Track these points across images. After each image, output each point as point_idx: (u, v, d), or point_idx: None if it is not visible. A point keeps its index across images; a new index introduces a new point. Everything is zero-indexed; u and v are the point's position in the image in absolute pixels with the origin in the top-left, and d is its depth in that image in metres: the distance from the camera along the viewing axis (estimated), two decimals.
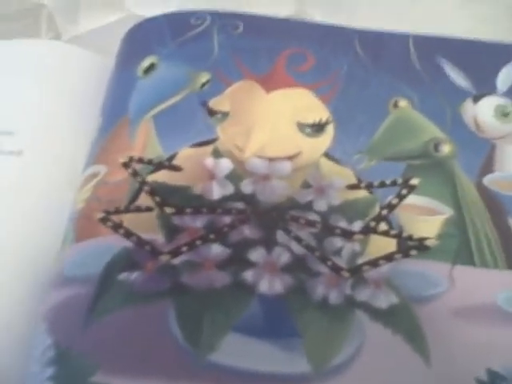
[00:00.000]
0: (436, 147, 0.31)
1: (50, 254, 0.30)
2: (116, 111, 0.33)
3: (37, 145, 0.34)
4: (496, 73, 0.34)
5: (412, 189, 0.29)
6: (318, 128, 0.31)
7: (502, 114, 0.33)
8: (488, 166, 0.31)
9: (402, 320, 0.26)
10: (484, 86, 0.34)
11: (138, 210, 0.29)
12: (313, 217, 0.28)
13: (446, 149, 0.31)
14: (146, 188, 0.29)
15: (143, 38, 0.36)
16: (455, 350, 0.25)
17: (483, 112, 0.33)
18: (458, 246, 0.28)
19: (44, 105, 0.36)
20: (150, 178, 0.30)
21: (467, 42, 0.36)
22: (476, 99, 0.33)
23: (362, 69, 0.34)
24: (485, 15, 0.43)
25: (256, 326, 0.26)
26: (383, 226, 0.28)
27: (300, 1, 0.45)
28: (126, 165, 0.30)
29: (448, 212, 0.29)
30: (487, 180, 0.30)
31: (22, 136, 0.34)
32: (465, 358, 0.25)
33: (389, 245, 0.28)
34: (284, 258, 0.27)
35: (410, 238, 0.28)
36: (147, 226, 0.28)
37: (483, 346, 0.25)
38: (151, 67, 0.34)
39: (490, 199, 0.30)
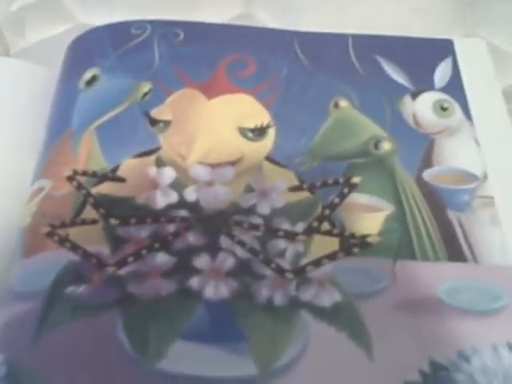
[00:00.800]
0: (376, 145, 0.32)
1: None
2: (59, 124, 0.33)
3: None
4: (433, 69, 0.35)
5: (353, 187, 0.30)
6: (259, 132, 0.31)
7: (441, 108, 0.33)
8: (427, 161, 0.32)
9: (346, 317, 0.26)
10: (422, 82, 0.35)
11: (84, 222, 0.29)
12: (256, 220, 0.29)
13: (385, 146, 0.32)
14: (91, 200, 0.29)
15: (85, 50, 0.36)
16: (397, 344, 0.26)
17: (422, 108, 0.33)
18: (400, 242, 0.29)
19: None
20: (95, 190, 0.30)
21: (404, 39, 0.37)
22: (414, 95, 0.34)
23: (302, 71, 0.34)
24: (424, 9, 0.43)
25: (203, 331, 0.26)
26: (326, 226, 0.29)
27: (247, 2, 0.45)
28: (70, 178, 0.30)
29: (389, 208, 0.30)
30: (426, 174, 0.31)
31: None
32: (407, 351, 0.26)
33: (332, 244, 0.28)
34: (228, 262, 0.27)
35: (353, 235, 0.28)
36: (93, 238, 0.28)
37: (425, 338, 0.26)
38: (93, 79, 0.34)
39: (430, 193, 0.31)
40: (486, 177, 0.31)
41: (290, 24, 0.38)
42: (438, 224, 0.30)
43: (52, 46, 0.44)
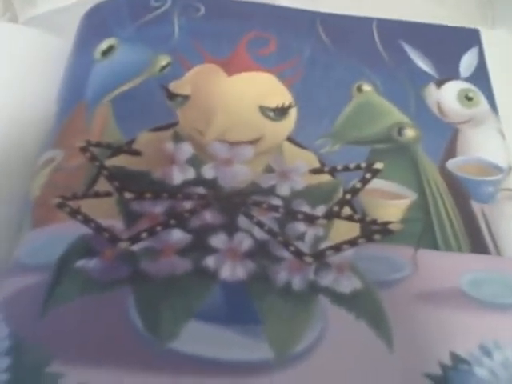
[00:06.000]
0: (399, 131, 0.31)
1: (2, 241, 0.29)
2: (73, 95, 0.32)
3: None
4: (459, 58, 0.35)
5: (376, 173, 0.29)
6: (280, 112, 0.30)
7: (466, 98, 0.33)
8: (451, 150, 0.31)
9: (366, 305, 0.26)
10: (447, 71, 0.34)
11: (97, 195, 0.28)
12: (275, 202, 0.28)
13: (409, 133, 0.31)
14: (105, 173, 0.28)
15: (101, 20, 0.35)
16: (418, 335, 0.25)
17: (446, 97, 0.33)
18: (422, 230, 0.28)
19: None
20: (109, 162, 0.29)
21: (430, 27, 0.36)
22: (439, 84, 0.33)
23: (325, 53, 0.34)
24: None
25: (217, 312, 0.26)
26: (347, 211, 0.28)
27: None
28: (83, 149, 0.29)
29: (411, 196, 0.29)
30: (450, 164, 0.30)
31: None
32: (428, 343, 0.25)
33: (352, 229, 0.27)
34: (246, 243, 0.26)
35: (374, 222, 0.28)
36: (106, 211, 0.27)
37: (446, 330, 0.25)
38: (110, 49, 0.33)
39: (453, 183, 0.30)
40: (511, 169, 0.31)
41: (309, 6, 0.37)
42: (462, 215, 0.29)
43: (62, 17, 0.43)
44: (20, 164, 0.32)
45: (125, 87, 0.31)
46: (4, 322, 0.25)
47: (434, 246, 0.28)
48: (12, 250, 0.28)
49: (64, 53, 0.36)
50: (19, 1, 0.44)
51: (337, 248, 0.26)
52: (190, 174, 0.28)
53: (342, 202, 0.28)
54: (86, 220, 0.27)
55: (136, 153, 0.29)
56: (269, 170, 0.29)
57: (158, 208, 0.27)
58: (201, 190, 0.28)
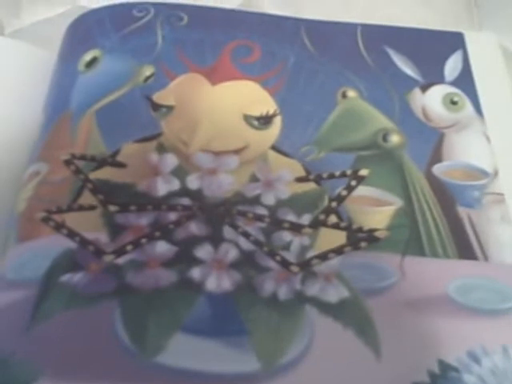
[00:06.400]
0: (385, 137, 0.31)
1: None
2: (57, 107, 0.32)
3: None
4: (443, 61, 0.34)
5: (361, 180, 0.29)
6: (265, 120, 0.30)
7: (451, 102, 0.33)
8: (436, 155, 0.31)
9: (353, 313, 0.25)
10: (432, 75, 0.34)
11: (81, 208, 0.28)
12: (261, 211, 0.28)
13: (394, 139, 0.31)
14: (89, 186, 0.28)
15: (85, 31, 0.35)
16: (406, 343, 0.25)
17: (432, 101, 0.33)
18: (409, 237, 0.28)
19: None
20: (93, 175, 0.29)
21: (414, 31, 0.36)
22: (424, 88, 0.33)
23: (309, 59, 0.34)
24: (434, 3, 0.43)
25: (204, 324, 0.25)
26: (333, 219, 0.28)
27: None
28: (68, 162, 0.29)
29: (398, 202, 0.29)
30: (436, 169, 0.30)
31: None
32: (416, 350, 0.25)
33: (338, 237, 0.27)
34: (232, 254, 0.26)
35: (360, 229, 0.28)
36: (90, 225, 0.27)
37: (435, 338, 0.25)
38: (93, 61, 0.33)
39: (439, 188, 0.30)
40: (496, 173, 0.30)
41: (293, 13, 0.37)
42: (448, 220, 0.29)
43: (47, 28, 0.43)
44: (6, 178, 0.32)
45: (109, 98, 0.31)
46: None
47: (421, 253, 0.28)
48: None
49: (50, 65, 0.36)
50: (3, 13, 0.43)
51: (323, 257, 0.26)
52: (175, 185, 0.28)
53: (328, 210, 0.28)
54: (71, 234, 0.27)
55: (120, 165, 0.29)
56: (254, 179, 0.29)
57: (143, 220, 0.27)
58: (186, 201, 0.28)
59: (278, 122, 0.31)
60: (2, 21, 0.44)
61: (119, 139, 0.30)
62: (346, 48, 0.34)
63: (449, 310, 0.26)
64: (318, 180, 0.29)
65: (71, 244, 0.26)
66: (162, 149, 0.29)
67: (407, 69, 0.34)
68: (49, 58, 0.37)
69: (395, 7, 0.42)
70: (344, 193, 0.28)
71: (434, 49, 0.35)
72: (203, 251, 0.26)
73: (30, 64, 0.38)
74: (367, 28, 0.35)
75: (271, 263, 0.26)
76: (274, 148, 0.30)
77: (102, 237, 0.27)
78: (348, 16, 0.37)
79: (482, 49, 0.35)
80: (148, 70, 0.32)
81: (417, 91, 0.33)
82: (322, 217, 0.28)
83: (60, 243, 0.27)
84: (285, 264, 0.26)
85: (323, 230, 0.28)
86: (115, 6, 0.35)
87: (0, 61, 0.37)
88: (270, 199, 0.28)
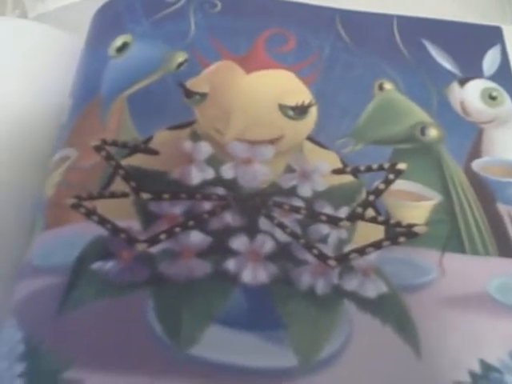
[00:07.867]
0: (422, 131, 0.30)
1: (15, 243, 0.28)
2: (87, 92, 0.32)
3: None
4: (482, 56, 0.34)
5: (399, 173, 0.28)
6: (300, 110, 0.30)
7: (489, 97, 0.32)
8: (476, 151, 0.30)
9: (392, 309, 0.25)
10: (470, 69, 0.33)
11: (113, 195, 0.27)
12: (297, 203, 0.27)
13: (432, 133, 0.30)
14: (121, 172, 0.28)
15: (115, 16, 0.34)
16: (446, 341, 0.24)
17: (470, 96, 0.32)
18: (448, 233, 0.27)
19: (8, 85, 0.34)
20: (125, 161, 0.28)
21: (451, 24, 0.35)
22: (462, 82, 0.32)
23: (345, 50, 0.33)
24: None
25: (239, 317, 0.25)
26: (370, 212, 0.27)
27: None
28: (98, 148, 0.28)
29: (436, 197, 0.28)
30: (476, 165, 0.29)
31: None
32: (456, 349, 0.24)
33: (376, 232, 0.27)
34: (268, 246, 0.26)
35: (399, 224, 0.27)
36: (122, 212, 0.27)
37: (475, 337, 0.25)
38: (124, 46, 0.32)
39: (479, 184, 0.29)
40: None
41: (328, 2, 0.36)
42: (488, 217, 0.28)
43: (71, 14, 0.43)
44: (33, 163, 0.31)
45: (141, 84, 0.31)
46: (17, 327, 0.24)
47: (461, 250, 0.27)
48: (24, 251, 0.27)
49: (74, 49, 0.35)
50: None
51: (361, 251, 0.26)
52: (209, 173, 0.27)
53: (366, 204, 0.27)
54: (102, 221, 0.26)
55: (153, 152, 0.28)
56: (289, 170, 0.28)
57: (177, 209, 0.26)
58: (220, 191, 0.27)
59: (313, 112, 0.30)
60: (26, 4, 0.43)
61: (151, 126, 0.29)
62: (382, 40, 0.34)
63: (489, 308, 0.25)
64: (355, 172, 0.29)
65: (101, 231, 0.26)
66: (195, 137, 0.29)
67: (445, 62, 0.33)
68: (75, 41, 0.37)
69: (428, 1, 0.41)
70: (382, 186, 0.28)
71: (471, 42, 0.34)
72: (238, 242, 0.26)
73: (55, 47, 0.37)
74: (403, 20, 0.35)
75: (308, 256, 0.25)
76: (310, 139, 0.29)
77: (134, 225, 0.26)
78: (382, 9, 0.36)
79: None
80: (181, 57, 0.31)
81: (455, 85, 0.32)
82: (359, 210, 0.27)
83: (90, 230, 0.26)
84: (322, 257, 0.25)
85: (360, 224, 0.27)
86: None
87: (24, 44, 0.37)
88: (306, 191, 0.27)
